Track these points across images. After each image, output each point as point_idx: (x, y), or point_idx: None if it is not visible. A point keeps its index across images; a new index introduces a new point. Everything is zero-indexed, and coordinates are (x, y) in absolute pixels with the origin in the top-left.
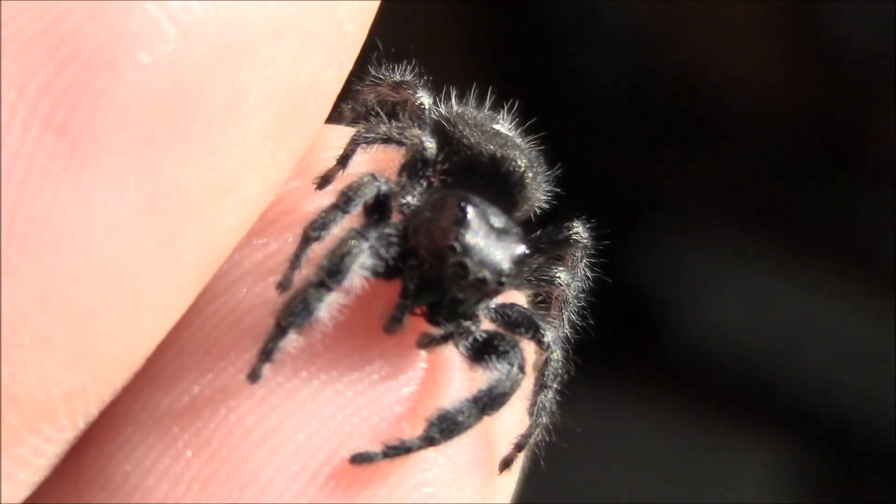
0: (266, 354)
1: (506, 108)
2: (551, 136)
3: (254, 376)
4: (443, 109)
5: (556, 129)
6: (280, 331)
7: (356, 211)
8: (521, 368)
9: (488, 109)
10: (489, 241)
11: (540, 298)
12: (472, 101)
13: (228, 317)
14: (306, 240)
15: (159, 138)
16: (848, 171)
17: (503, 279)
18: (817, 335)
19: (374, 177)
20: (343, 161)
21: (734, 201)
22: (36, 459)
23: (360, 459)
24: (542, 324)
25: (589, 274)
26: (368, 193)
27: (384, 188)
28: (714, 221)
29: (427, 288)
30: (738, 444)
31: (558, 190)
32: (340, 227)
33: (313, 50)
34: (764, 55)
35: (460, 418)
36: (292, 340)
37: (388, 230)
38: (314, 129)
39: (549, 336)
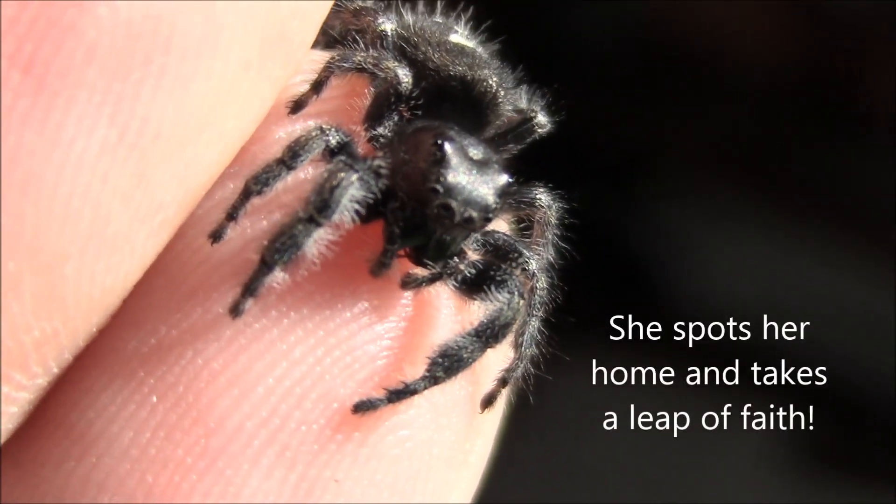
0: (250, 290)
1: (461, 14)
2: (545, 96)
3: (236, 311)
4: (402, 29)
5: (550, 90)
6: (265, 267)
7: (301, 166)
8: (521, 294)
9: (444, 17)
10: (471, 177)
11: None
12: (421, 10)
13: (197, 253)
14: (247, 193)
15: (131, 73)
16: (844, 133)
17: (489, 215)
18: (816, 299)
19: (322, 130)
20: (317, 87)
21: (730, 163)
22: (7, 407)
23: (363, 408)
24: (526, 251)
25: (557, 240)
26: (316, 148)
27: (333, 141)
28: (710, 184)
29: (412, 230)
30: (734, 411)
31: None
32: (284, 183)
33: None
34: (760, 16)
35: (464, 354)
36: (277, 277)
37: (376, 162)
38: (299, 58)
39: (533, 264)
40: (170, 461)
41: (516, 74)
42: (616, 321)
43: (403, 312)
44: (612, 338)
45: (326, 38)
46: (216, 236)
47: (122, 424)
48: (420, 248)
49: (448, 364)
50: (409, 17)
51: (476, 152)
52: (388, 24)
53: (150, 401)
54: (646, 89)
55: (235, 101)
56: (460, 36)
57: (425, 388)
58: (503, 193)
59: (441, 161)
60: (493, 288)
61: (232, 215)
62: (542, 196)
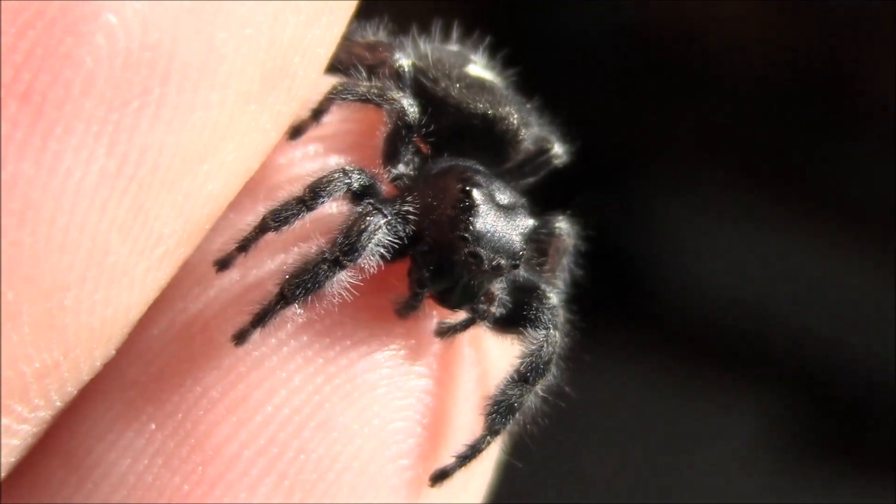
0: (260, 320)
1: (478, 44)
2: (539, 92)
3: (240, 338)
4: (419, 63)
5: (544, 85)
6: (282, 299)
7: (320, 207)
8: (556, 326)
9: (459, 45)
10: (499, 223)
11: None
12: (437, 38)
13: (199, 282)
14: (263, 228)
15: (129, 103)
16: (839, 127)
17: (517, 262)
18: (809, 289)
19: (344, 172)
20: (317, 115)
21: (722, 156)
22: (9, 440)
23: (440, 478)
24: (546, 288)
25: (573, 266)
26: (336, 191)
27: (356, 184)
28: (703, 177)
29: (439, 274)
30: (729, 400)
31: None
32: (302, 222)
33: (296, 8)
34: (754, 12)
35: (514, 400)
36: (293, 312)
37: (404, 206)
38: (302, 92)
39: (554, 300)
40: (167, 488)
41: (533, 102)
42: (610, 316)
43: (403, 341)
44: (604, 331)
45: (336, 62)
46: (223, 265)
47: (120, 451)
48: (445, 290)
49: (503, 414)
50: (425, 48)
51: (503, 197)
52: (405, 60)
53: (148, 428)
54: (640, 85)
55: (236, 133)
56: (478, 66)
57: (490, 443)
58: (530, 238)
59: (469, 209)
60: (527, 327)
61: (244, 247)
62: (562, 225)
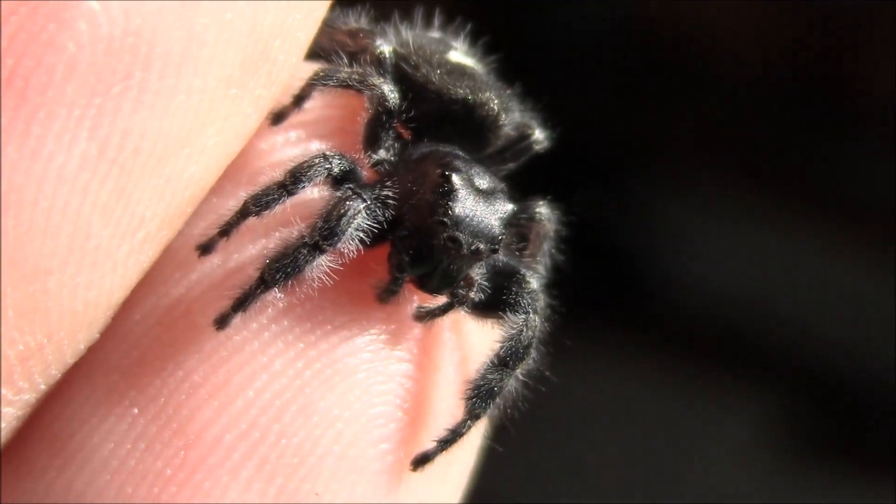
0: (241, 304)
1: (460, 31)
2: (534, 90)
3: (222, 323)
4: (401, 49)
5: (540, 83)
6: (262, 283)
7: (301, 192)
8: (535, 310)
9: (441, 32)
10: (478, 208)
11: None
12: (419, 25)
13: (180, 266)
14: (244, 213)
15: (111, 88)
16: (838, 125)
17: (496, 246)
18: (809, 289)
19: (325, 157)
20: (298, 101)
21: (722, 156)
22: None
23: (422, 462)
24: (526, 272)
25: (554, 251)
26: (317, 176)
27: (336, 169)
28: (703, 177)
29: (419, 259)
30: (729, 400)
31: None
32: (283, 207)
33: None
34: (753, 10)
35: (495, 385)
36: (274, 296)
37: (384, 191)
38: (283, 77)
39: (534, 284)
40: (149, 473)
41: (514, 89)
42: (608, 314)
43: (383, 326)
44: (603, 330)
45: (317, 49)
46: (205, 249)
47: (103, 436)
48: (425, 275)
49: (484, 398)
50: (406, 35)
51: (482, 182)
52: (386, 47)
53: (130, 412)
54: (640, 84)
55: (217, 117)
56: (459, 52)
57: (470, 427)
58: (509, 223)
59: (448, 193)
60: (507, 311)
61: (225, 232)
62: (543, 210)
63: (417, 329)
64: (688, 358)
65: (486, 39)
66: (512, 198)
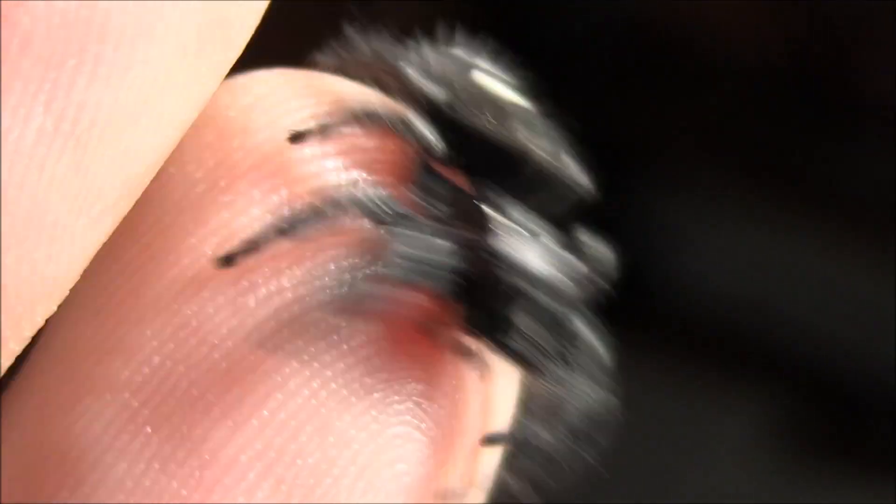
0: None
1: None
2: (534, 90)
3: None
4: (442, 87)
5: (540, 83)
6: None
7: (336, 217)
8: (568, 363)
9: (464, 49)
10: (532, 254)
11: None
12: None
13: (192, 283)
14: (274, 232)
15: (66, 61)
16: (839, 124)
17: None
18: (809, 289)
19: (358, 187)
20: (323, 131)
21: (722, 156)
22: None
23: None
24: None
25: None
26: (352, 205)
27: (371, 205)
28: (703, 177)
29: (469, 302)
30: (729, 400)
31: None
32: (315, 232)
33: None
34: (753, 6)
35: (538, 442)
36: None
37: (438, 241)
38: (241, 40)
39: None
40: (165, 493)
41: (558, 131)
42: (609, 315)
43: (403, 345)
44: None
45: (341, 63)
46: (228, 261)
47: (117, 454)
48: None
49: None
50: (430, 57)
51: (534, 227)
52: (428, 88)
53: (144, 431)
54: (640, 83)
55: (174, 87)
56: (485, 73)
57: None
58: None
59: (501, 240)
60: (547, 366)
61: (250, 248)
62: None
63: (437, 347)
64: (688, 358)
65: (485, 40)
66: (557, 241)
